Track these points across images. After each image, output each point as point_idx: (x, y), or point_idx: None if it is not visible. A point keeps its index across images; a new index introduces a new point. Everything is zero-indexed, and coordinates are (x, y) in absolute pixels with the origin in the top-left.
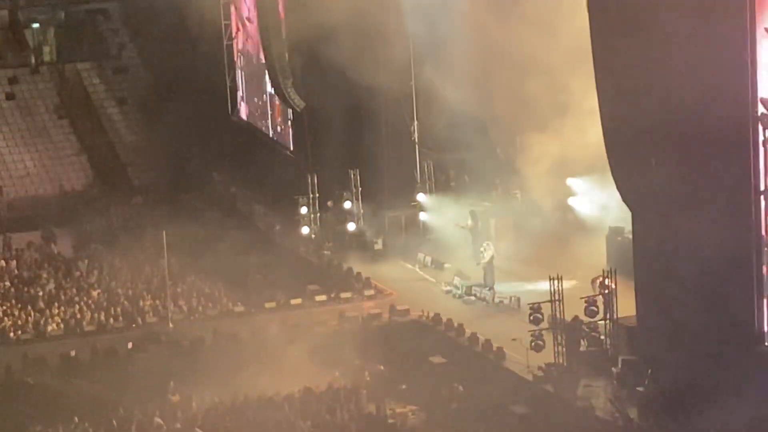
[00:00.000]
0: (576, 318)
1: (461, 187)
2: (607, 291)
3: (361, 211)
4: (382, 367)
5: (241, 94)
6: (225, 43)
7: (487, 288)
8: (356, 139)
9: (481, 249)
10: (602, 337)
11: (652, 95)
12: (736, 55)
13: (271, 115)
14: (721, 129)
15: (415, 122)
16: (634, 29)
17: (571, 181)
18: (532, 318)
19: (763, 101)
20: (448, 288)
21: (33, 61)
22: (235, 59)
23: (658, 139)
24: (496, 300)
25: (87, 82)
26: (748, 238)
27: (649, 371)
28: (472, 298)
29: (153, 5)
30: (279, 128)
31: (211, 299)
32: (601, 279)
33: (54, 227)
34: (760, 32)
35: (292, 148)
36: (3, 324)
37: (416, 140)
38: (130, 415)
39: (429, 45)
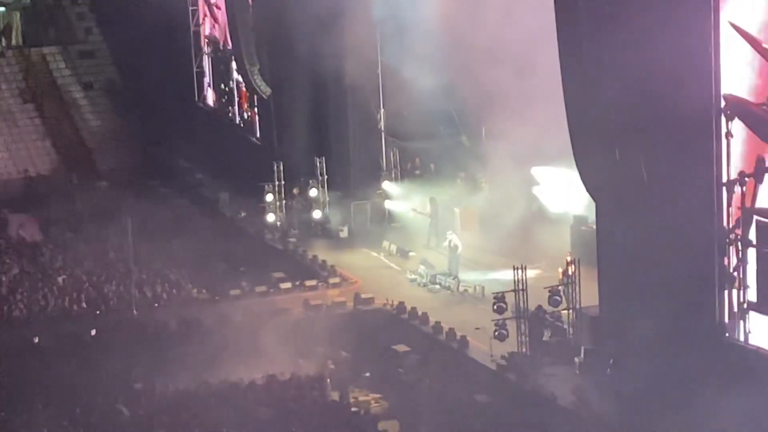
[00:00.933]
0: (539, 307)
1: (427, 176)
2: (570, 280)
3: (327, 198)
4: (344, 353)
5: (207, 80)
6: (192, 29)
7: (452, 277)
8: (322, 126)
9: (448, 238)
10: (565, 326)
11: (617, 85)
12: (700, 47)
13: (237, 102)
14: (685, 120)
15: (382, 110)
16: (599, 18)
17: (535, 170)
18: (495, 307)
19: (726, 98)
20: (413, 276)
21: None
22: (202, 45)
23: (622, 130)
24: (461, 289)
25: (53, 67)
26: (710, 230)
27: (612, 361)
28: (437, 286)
29: None
30: (245, 115)
31: (176, 286)
32: (564, 268)
33: (15, 212)
34: (724, 25)
35: (258, 136)
36: None
37: (382, 128)
38: (93, 402)
39: (395, 32)
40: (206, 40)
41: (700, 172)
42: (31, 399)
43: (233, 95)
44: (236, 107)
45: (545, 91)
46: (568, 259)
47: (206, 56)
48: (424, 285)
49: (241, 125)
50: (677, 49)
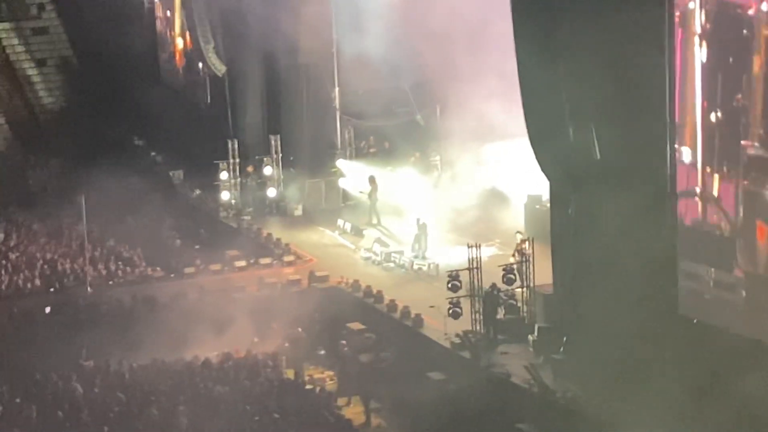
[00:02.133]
0: (494, 286)
1: (381, 154)
2: (524, 259)
3: (281, 177)
4: (300, 329)
5: (165, 56)
6: (146, 5)
7: (419, 256)
8: (277, 104)
9: (416, 217)
10: (519, 304)
11: (570, 62)
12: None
13: (193, 80)
14: (638, 98)
15: (336, 88)
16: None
17: (489, 148)
18: (450, 285)
19: None
20: (368, 255)
21: None
22: (157, 22)
23: (576, 108)
24: (415, 267)
25: (6, 43)
26: (664, 206)
27: (565, 339)
28: (392, 264)
29: None
30: (200, 93)
31: (130, 263)
32: (518, 245)
33: None
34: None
35: (212, 113)
36: None
37: (337, 107)
38: (47, 379)
39: (350, 10)
40: (161, 18)
41: (655, 152)
42: None
43: (188, 73)
44: (191, 86)
45: (500, 69)
46: (519, 237)
47: (160, 33)
48: (379, 263)
49: (196, 103)
50: (631, 25)
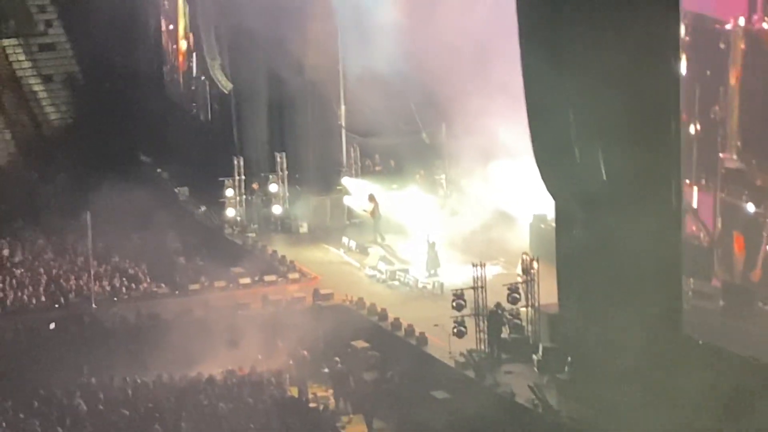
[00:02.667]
0: (498, 305)
1: (387, 172)
2: (530, 278)
3: (287, 194)
4: (303, 349)
5: (167, 68)
6: (153, 23)
7: (432, 274)
8: (283, 122)
9: (425, 236)
10: (524, 324)
11: (577, 83)
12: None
13: (198, 96)
14: (645, 119)
15: (342, 106)
16: (560, 14)
17: (494, 166)
18: (455, 304)
19: None
20: (372, 272)
21: None
22: (163, 39)
23: (583, 129)
24: (420, 285)
25: (13, 59)
26: (669, 226)
27: (569, 359)
28: (396, 282)
29: None
30: (206, 110)
31: (135, 280)
32: (523, 266)
33: None
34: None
35: (218, 130)
36: None
37: (343, 124)
38: (51, 395)
39: (356, 28)
40: (167, 34)
41: (661, 176)
42: None
43: (194, 90)
44: (197, 102)
45: (506, 87)
46: (524, 257)
47: (167, 50)
48: (383, 281)
49: (201, 120)
50: (638, 45)
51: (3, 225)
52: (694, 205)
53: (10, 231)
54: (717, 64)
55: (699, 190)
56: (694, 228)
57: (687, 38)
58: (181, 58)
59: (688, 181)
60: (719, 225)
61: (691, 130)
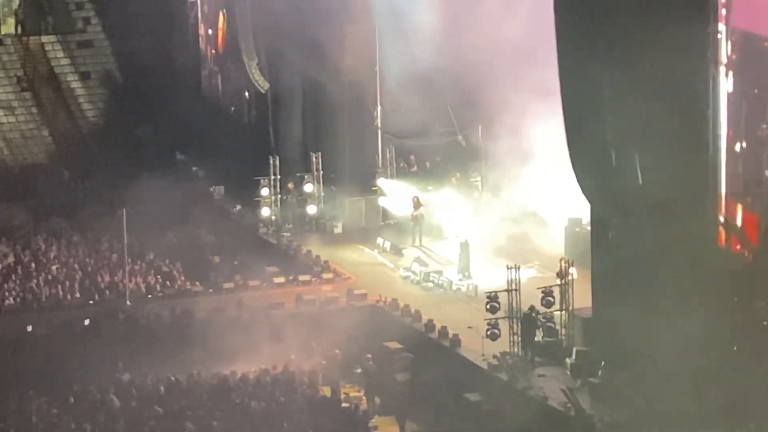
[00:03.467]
0: (532, 308)
1: (422, 174)
2: (564, 282)
3: (322, 194)
4: (338, 352)
5: (205, 72)
6: (191, 21)
7: (464, 276)
8: (319, 122)
9: (457, 237)
10: (558, 327)
11: (615, 86)
12: (696, 50)
13: (235, 95)
14: (681, 124)
15: (378, 107)
16: (598, 17)
17: (530, 169)
18: (488, 306)
19: None
20: (406, 273)
21: None
22: (201, 37)
23: (620, 133)
24: (454, 287)
25: (51, 56)
26: (705, 234)
27: (603, 363)
28: (430, 284)
29: None
30: (242, 108)
31: (169, 278)
32: (558, 270)
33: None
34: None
35: (254, 129)
36: None
37: (379, 125)
38: (85, 391)
39: (394, 29)
40: (206, 32)
41: (696, 181)
42: (22, 388)
43: (231, 89)
44: (233, 101)
45: (543, 90)
46: (562, 261)
47: (205, 48)
48: (418, 282)
49: (238, 119)
50: (676, 51)
51: (39, 221)
52: (739, 223)
53: (46, 227)
54: (765, 82)
55: (743, 208)
56: (738, 246)
57: (734, 56)
58: (218, 59)
59: (732, 198)
60: (763, 243)
61: (737, 147)
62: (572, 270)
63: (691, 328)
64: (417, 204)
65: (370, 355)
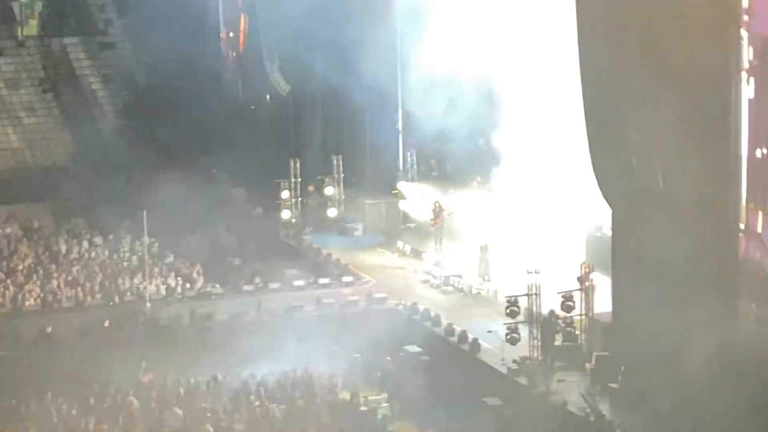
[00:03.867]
0: (552, 312)
1: (443, 177)
2: (584, 286)
3: (343, 197)
4: (358, 356)
5: (226, 75)
6: (212, 23)
7: (484, 279)
8: (340, 125)
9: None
10: (577, 332)
11: (637, 91)
12: (720, 58)
13: (256, 98)
14: (703, 130)
15: (400, 110)
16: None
17: (551, 173)
18: (508, 311)
19: None
20: (427, 277)
21: (19, 34)
22: (222, 40)
23: (641, 137)
24: (474, 291)
25: (73, 57)
26: (726, 240)
27: (623, 368)
28: (450, 288)
29: None
30: (263, 111)
31: (189, 280)
32: (579, 274)
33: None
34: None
35: (274, 132)
36: None
37: (400, 128)
38: (105, 392)
39: (416, 31)
40: (227, 35)
41: (717, 183)
42: (42, 388)
43: (252, 91)
44: (254, 103)
45: (564, 94)
46: (583, 265)
47: (227, 51)
48: (437, 286)
49: (258, 121)
50: (699, 55)
51: (60, 222)
52: (759, 230)
53: (67, 228)
54: None
55: (764, 215)
56: (758, 254)
57: (756, 62)
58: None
59: (753, 205)
60: None
61: (758, 153)
62: (593, 275)
63: (711, 334)
64: (438, 209)
65: (389, 359)
